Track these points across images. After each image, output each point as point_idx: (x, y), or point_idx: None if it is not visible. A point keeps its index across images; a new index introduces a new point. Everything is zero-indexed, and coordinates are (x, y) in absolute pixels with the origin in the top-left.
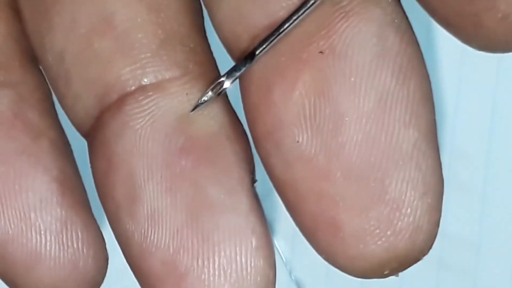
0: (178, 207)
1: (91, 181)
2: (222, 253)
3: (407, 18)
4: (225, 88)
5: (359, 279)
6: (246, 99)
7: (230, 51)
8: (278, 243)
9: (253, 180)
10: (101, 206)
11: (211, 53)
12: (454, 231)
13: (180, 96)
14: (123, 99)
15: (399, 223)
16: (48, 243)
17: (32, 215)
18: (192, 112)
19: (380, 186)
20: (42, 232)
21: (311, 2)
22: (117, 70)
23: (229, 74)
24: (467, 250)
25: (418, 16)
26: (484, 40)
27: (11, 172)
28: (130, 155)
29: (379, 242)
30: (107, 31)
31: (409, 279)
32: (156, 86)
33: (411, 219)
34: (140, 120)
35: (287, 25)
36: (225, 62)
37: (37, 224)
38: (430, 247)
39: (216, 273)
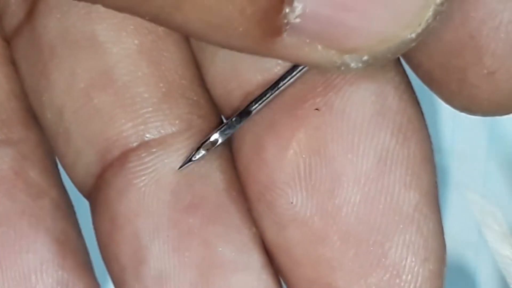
0: (187, 267)
1: (94, 241)
2: None
3: (407, 76)
4: (217, 145)
5: None
6: (238, 158)
7: (221, 108)
8: None
9: None
10: (105, 268)
11: (214, 105)
12: (454, 231)
13: (185, 152)
14: (125, 155)
15: None
16: None
17: (33, 278)
18: (181, 169)
19: (380, 250)
20: None
21: None
22: (118, 126)
23: (221, 131)
24: (467, 250)
25: None
26: (467, 99)
27: (11, 233)
28: (135, 214)
29: None
30: (107, 85)
31: None
32: (160, 142)
33: (412, 286)
34: (144, 178)
35: (283, 82)
36: None
37: (37, 287)
38: None
39: None
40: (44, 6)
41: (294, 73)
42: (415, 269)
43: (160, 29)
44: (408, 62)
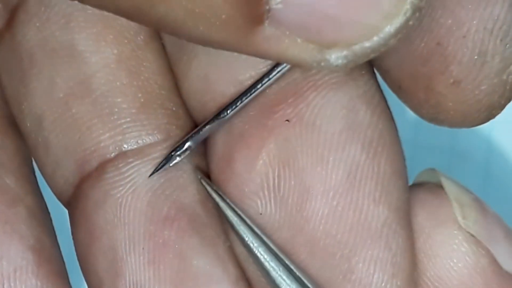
0: (162, 280)
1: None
2: None
3: (381, 91)
4: (187, 152)
5: None
6: (211, 168)
7: (197, 119)
8: None
9: None
10: (82, 275)
11: (191, 115)
12: None
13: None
14: (103, 166)
15: None
16: None
17: (6, 285)
18: (151, 176)
19: (346, 264)
20: None
21: (280, 68)
22: (96, 136)
23: (192, 137)
24: None
25: None
26: (434, 108)
27: None
28: (111, 226)
29: None
30: (86, 95)
31: None
32: (137, 152)
33: None
34: (121, 189)
35: (254, 89)
36: None
37: None
38: None
39: None
40: (24, 15)
41: (265, 80)
42: (382, 284)
43: (140, 38)
44: (378, 69)
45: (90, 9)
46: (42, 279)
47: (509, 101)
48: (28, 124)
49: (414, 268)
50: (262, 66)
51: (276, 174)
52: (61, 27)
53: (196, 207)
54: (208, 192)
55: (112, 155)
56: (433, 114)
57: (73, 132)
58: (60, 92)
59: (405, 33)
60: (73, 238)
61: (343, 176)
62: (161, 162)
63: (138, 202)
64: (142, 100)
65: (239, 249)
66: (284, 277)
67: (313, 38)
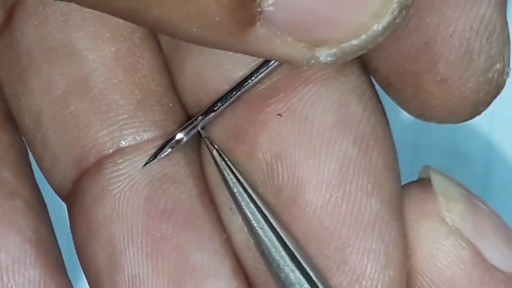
0: (160, 273)
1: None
2: None
3: (373, 86)
4: (179, 143)
5: None
6: (206, 165)
7: (192, 116)
8: None
9: None
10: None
11: (186, 111)
12: None
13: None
14: (101, 162)
15: None
16: None
17: (4, 277)
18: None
19: (340, 255)
20: None
21: (271, 63)
22: (94, 133)
23: (185, 130)
24: None
25: None
26: (422, 104)
27: None
28: (110, 220)
29: None
30: (83, 92)
31: None
32: (135, 148)
33: None
34: (119, 184)
35: (245, 83)
36: None
37: (9, 286)
38: None
39: None
40: (22, 13)
41: (257, 74)
42: (375, 275)
43: (136, 36)
44: (367, 67)
45: (87, 8)
46: (40, 271)
47: (494, 98)
48: (27, 121)
49: (406, 259)
50: (255, 64)
51: (270, 167)
52: (59, 25)
53: (193, 202)
54: (213, 158)
55: (110, 151)
56: (420, 111)
57: (71, 129)
58: (58, 89)
59: (392, 30)
60: (72, 232)
61: (335, 170)
62: (154, 154)
63: (136, 197)
64: (139, 97)
65: (238, 237)
66: (286, 257)
67: (303, 37)
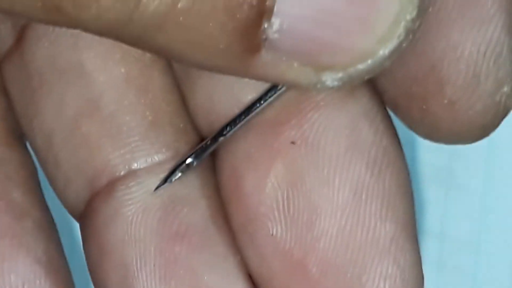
0: None
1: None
2: None
3: (384, 108)
4: (189, 168)
5: None
6: (220, 188)
7: (205, 137)
8: None
9: None
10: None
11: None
12: (454, 231)
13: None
14: (113, 184)
15: None
16: None
17: None
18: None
19: (357, 282)
20: None
21: (279, 87)
22: (105, 155)
23: (197, 154)
24: (467, 250)
25: None
26: (429, 127)
27: None
28: (122, 243)
29: None
30: (95, 114)
31: None
32: (147, 171)
33: None
34: (131, 207)
35: (255, 107)
36: None
37: None
38: None
39: None
40: (33, 33)
41: (267, 97)
42: None
43: (147, 57)
44: (377, 88)
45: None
46: None
47: (502, 120)
48: (39, 141)
49: (422, 281)
50: (265, 87)
51: (285, 195)
52: (69, 46)
53: (207, 223)
54: None
55: (122, 173)
56: (428, 133)
57: (83, 151)
58: (70, 110)
59: (399, 54)
60: (85, 253)
61: (349, 196)
62: (165, 177)
63: (149, 219)
64: (150, 118)
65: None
66: None
67: (309, 62)
